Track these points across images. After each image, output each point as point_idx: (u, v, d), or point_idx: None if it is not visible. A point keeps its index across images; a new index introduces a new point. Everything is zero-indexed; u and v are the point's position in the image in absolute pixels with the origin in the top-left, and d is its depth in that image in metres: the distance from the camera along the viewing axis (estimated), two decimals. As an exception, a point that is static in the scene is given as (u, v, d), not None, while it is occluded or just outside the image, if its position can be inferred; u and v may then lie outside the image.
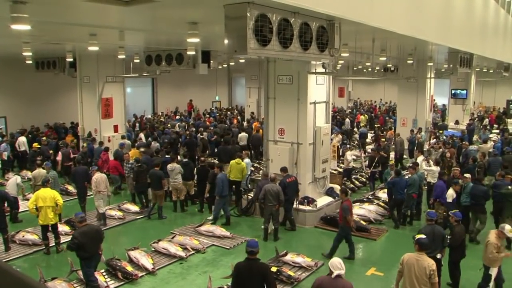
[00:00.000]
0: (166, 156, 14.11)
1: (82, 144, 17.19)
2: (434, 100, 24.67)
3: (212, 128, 20.85)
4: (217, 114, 28.33)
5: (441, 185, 10.84)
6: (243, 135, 19.05)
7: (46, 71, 19.27)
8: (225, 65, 28.13)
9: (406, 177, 11.93)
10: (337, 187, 12.91)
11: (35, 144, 16.41)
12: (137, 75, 17.92)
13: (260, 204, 11.31)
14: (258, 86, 26.41)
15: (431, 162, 13.18)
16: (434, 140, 19.09)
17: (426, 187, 12.91)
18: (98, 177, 11.43)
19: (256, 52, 6.16)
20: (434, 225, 7.73)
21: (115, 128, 18.23)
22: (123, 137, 17.85)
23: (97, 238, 7.89)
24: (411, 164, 12.56)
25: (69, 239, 8.19)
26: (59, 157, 15.64)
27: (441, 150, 15.94)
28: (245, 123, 23.29)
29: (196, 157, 16.72)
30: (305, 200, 11.83)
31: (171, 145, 17.38)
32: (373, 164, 15.16)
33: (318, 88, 12.15)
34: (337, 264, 5.52)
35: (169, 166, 12.57)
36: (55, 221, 9.77)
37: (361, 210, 12.14)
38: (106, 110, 17.87)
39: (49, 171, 12.06)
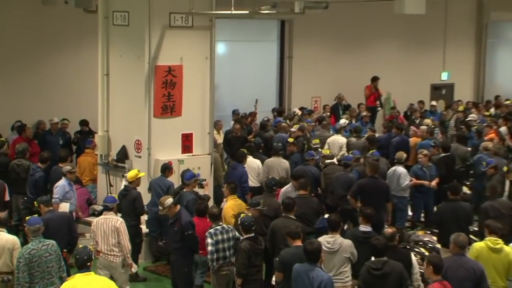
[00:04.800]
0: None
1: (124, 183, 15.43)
2: None
3: (431, 147, 19.46)
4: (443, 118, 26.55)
5: None
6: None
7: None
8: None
9: None
10: None
11: None
12: (246, 12, 16.31)
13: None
14: None
15: None
16: None
17: None
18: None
19: None
20: None
21: (186, 142, 16.06)
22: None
23: None
24: None
25: None
26: (6, 197, 15.68)
27: None
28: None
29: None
30: None
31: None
32: None
33: None
34: None
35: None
36: None
37: None
38: (165, 97, 15.81)
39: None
